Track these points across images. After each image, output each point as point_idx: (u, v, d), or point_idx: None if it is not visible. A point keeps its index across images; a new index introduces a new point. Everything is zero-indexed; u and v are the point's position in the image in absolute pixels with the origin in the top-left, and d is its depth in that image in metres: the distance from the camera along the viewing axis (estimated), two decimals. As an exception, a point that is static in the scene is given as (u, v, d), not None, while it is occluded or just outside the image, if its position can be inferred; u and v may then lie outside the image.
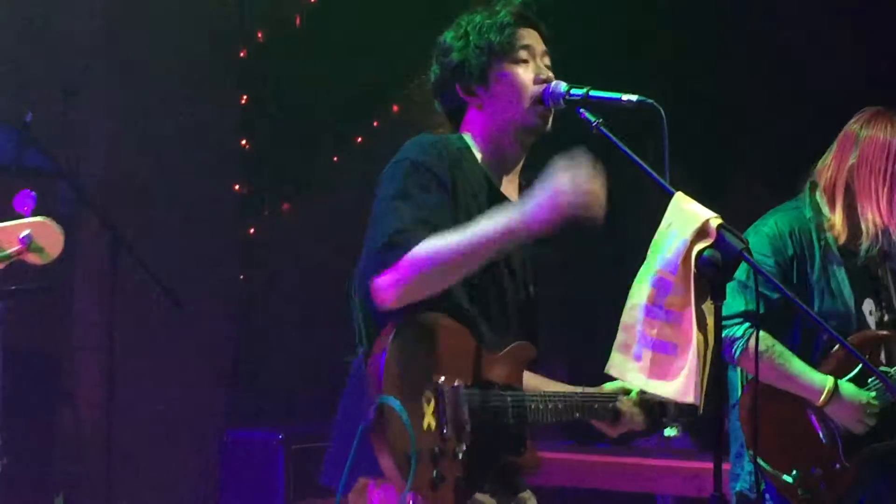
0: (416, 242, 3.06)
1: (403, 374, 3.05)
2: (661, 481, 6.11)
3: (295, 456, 6.34)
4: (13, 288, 5.47)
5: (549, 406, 3.36)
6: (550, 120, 3.35)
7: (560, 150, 3.06)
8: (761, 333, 4.01)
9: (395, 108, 7.33)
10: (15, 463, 5.94)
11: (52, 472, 6.54)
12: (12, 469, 5.71)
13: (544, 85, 3.30)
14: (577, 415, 3.45)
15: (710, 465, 2.99)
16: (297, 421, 6.57)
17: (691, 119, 6.17)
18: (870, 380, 4.10)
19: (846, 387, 4.07)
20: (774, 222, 4.20)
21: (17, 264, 2.93)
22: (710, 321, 3.02)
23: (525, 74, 3.32)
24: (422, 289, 3.09)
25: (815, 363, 4.11)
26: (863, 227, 4.15)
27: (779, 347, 4.07)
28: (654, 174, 3.12)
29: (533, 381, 3.47)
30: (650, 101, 3.21)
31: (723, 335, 3.93)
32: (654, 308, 3.03)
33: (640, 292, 3.07)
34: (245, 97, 7.41)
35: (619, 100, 3.26)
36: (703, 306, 3.03)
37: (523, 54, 3.33)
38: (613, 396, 3.54)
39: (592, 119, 3.24)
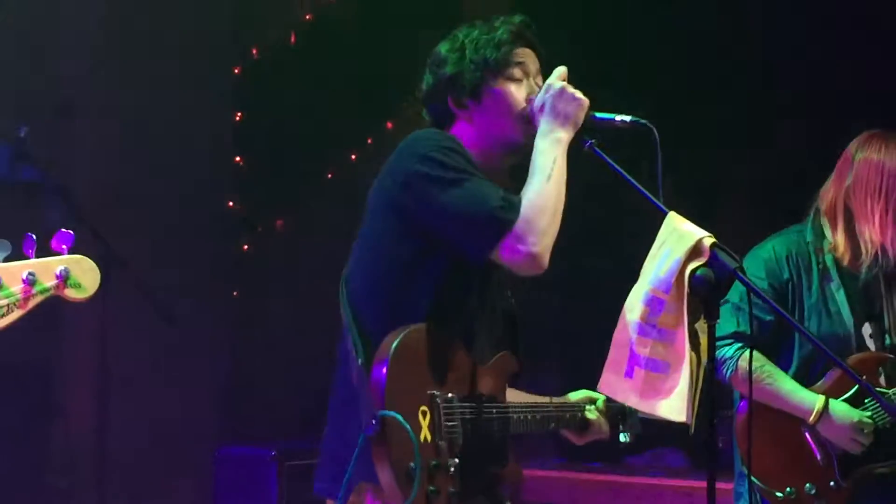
0: (518, 202, 3.12)
1: (403, 386, 3.07)
2: (654, 499, 6.11)
3: (288, 472, 6.32)
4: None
5: (529, 417, 3.39)
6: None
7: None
8: (754, 355, 4.02)
9: (389, 124, 7.33)
10: (6, 478, 5.93)
11: (44, 488, 6.51)
12: (3, 484, 5.69)
13: None
14: (552, 425, 3.51)
15: (704, 484, 2.99)
16: (290, 437, 6.55)
17: (683, 140, 6.18)
18: (866, 400, 4.11)
19: (837, 406, 4.07)
20: (772, 247, 4.23)
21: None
22: (703, 340, 3.02)
23: (517, 93, 3.33)
24: (552, 233, 3.14)
25: (811, 385, 4.13)
26: (862, 247, 4.17)
27: (769, 367, 4.09)
28: (648, 193, 3.12)
29: (508, 394, 3.48)
30: (643, 121, 3.22)
31: (719, 355, 3.98)
32: (647, 326, 3.04)
33: (633, 310, 3.07)
34: (239, 114, 7.41)
35: (613, 120, 3.27)
36: (696, 325, 3.04)
37: (517, 73, 3.34)
38: (581, 406, 3.59)
39: (585, 139, 3.25)
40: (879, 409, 4.08)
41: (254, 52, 7.44)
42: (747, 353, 4.03)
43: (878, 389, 4.09)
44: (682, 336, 3.02)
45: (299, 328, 7.18)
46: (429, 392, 3.13)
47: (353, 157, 7.39)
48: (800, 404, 4.07)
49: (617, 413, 3.65)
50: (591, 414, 3.59)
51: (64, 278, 2.85)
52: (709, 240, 3.00)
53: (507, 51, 3.33)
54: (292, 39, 7.45)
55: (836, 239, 4.20)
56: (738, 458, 4.23)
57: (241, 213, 7.43)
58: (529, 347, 3.49)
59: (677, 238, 3.02)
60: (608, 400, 3.56)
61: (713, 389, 3.04)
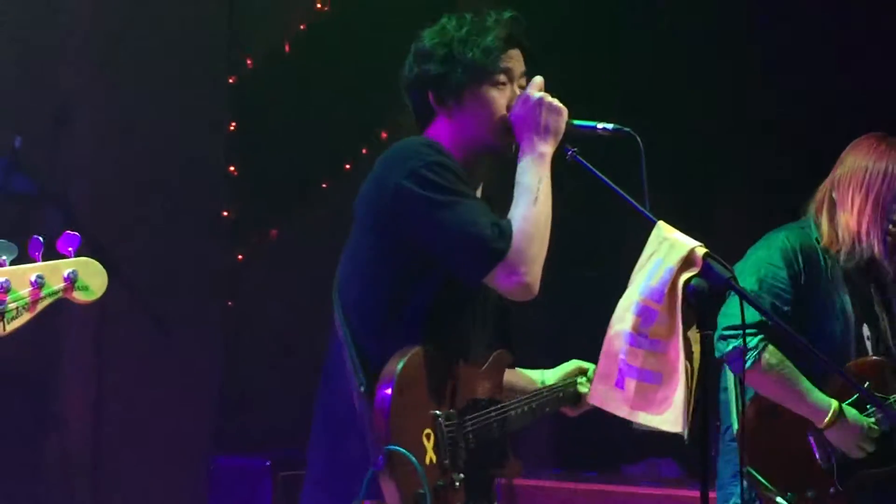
0: (509, 230, 3.12)
1: (406, 413, 3.08)
2: (648, 509, 6.11)
3: (283, 482, 6.31)
4: None
5: (525, 409, 3.39)
6: (514, 145, 3.32)
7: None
8: (772, 348, 4.07)
9: (384, 134, 7.33)
10: (1, 489, 5.92)
11: (39, 497, 6.50)
12: (-2, 494, 5.69)
13: None
14: (548, 409, 3.48)
15: (698, 494, 2.99)
16: (285, 447, 6.55)
17: (674, 150, 6.19)
18: (868, 406, 4.13)
19: (850, 411, 4.11)
20: (785, 237, 4.26)
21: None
22: (696, 350, 3.02)
23: (500, 99, 3.30)
24: (541, 259, 3.16)
25: (819, 384, 4.14)
26: (839, 233, 4.21)
27: (789, 364, 4.10)
28: (634, 202, 3.12)
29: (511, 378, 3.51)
30: (626, 129, 3.22)
31: (735, 344, 3.96)
32: (639, 337, 3.04)
33: (623, 321, 3.07)
34: (234, 123, 7.41)
35: (595, 128, 3.26)
36: (689, 334, 3.04)
37: (502, 78, 3.31)
38: (573, 380, 3.57)
39: (568, 148, 3.25)
40: (880, 414, 4.11)
41: (248, 62, 7.44)
42: (772, 347, 4.06)
43: (878, 395, 4.10)
44: (675, 346, 3.01)
45: (294, 338, 7.17)
46: (431, 413, 3.14)
47: (348, 166, 7.38)
48: (816, 405, 4.09)
49: None
50: (584, 387, 3.57)
51: (72, 281, 2.83)
52: (701, 249, 3.00)
53: (496, 57, 3.29)
54: (286, 48, 7.45)
55: (823, 228, 4.26)
56: (727, 462, 4.22)
57: (236, 223, 7.42)
58: (518, 360, 3.50)
59: (668, 247, 3.02)
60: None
61: (706, 398, 3.04)
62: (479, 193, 3.39)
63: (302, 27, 7.46)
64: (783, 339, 4.08)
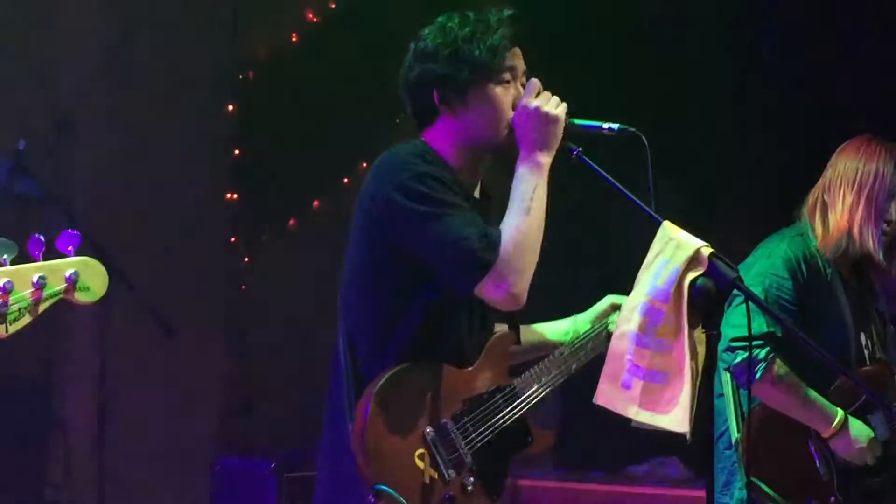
0: (498, 241, 3.11)
1: (389, 442, 3.11)
2: (653, 509, 6.11)
3: (287, 484, 6.30)
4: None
5: (543, 381, 3.34)
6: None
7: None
8: (780, 360, 4.05)
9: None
10: (5, 491, 5.91)
11: (42, 498, 6.50)
12: (2, 498, 5.68)
13: None
14: (574, 367, 3.41)
15: (703, 494, 2.99)
16: (290, 449, 6.54)
17: (679, 149, 6.18)
18: (868, 415, 4.12)
19: (854, 423, 4.10)
20: (787, 246, 4.23)
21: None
22: (701, 350, 3.01)
23: (505, 97, 3.29)
24: (531, 270, 3.15)
25: (825, 392, 4.13)
26: (830, 231, 4.21)
27: (794, 375, 4.09)
28: (639, 202, 3.11)
29: (526, 336, 3.48)
30: (632, 128, 3.20)
31: (745, 356, 3.95)
32: (645, 337, 3.03)
33: (629, 321, 3.06)
34: (239, 121, 7.41)
35: (600, 128, 3.25)
36: (695, 334, 3.03)
37: (507, 76, 3.30)
38: (604, 324, 3.48)
39: (573, 147, 3.24)
40: (880, 424, 4.12)
41: (252, 61, 7.44)
42: (779, 359, 4.05)
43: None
44: (681, 346, 3.01)
45: (299, 340, 7.17)
46: (420, 432, 3.16)
47: (365, 164, 7.33)
48: (823, 415, 4.08)
49: None
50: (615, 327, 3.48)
51: (73, 282, 2.76)
52: (707, 249, 3.00)
53: (502, 57, 3.28)
54: (293, 42, 7.45)
55: (816, 230, 4.25)
56: (721, 469, 4.21)
57: (243, 225, 7.42)
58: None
59: (674, 247, 3.02)
60: None
61: (711, 398, 3.03)
62: (478, 192, 3.40)
63: (313, 18, 7.44)
64: (787, 349, 4.08)
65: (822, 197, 4.27)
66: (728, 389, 4.20)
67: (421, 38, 3.35)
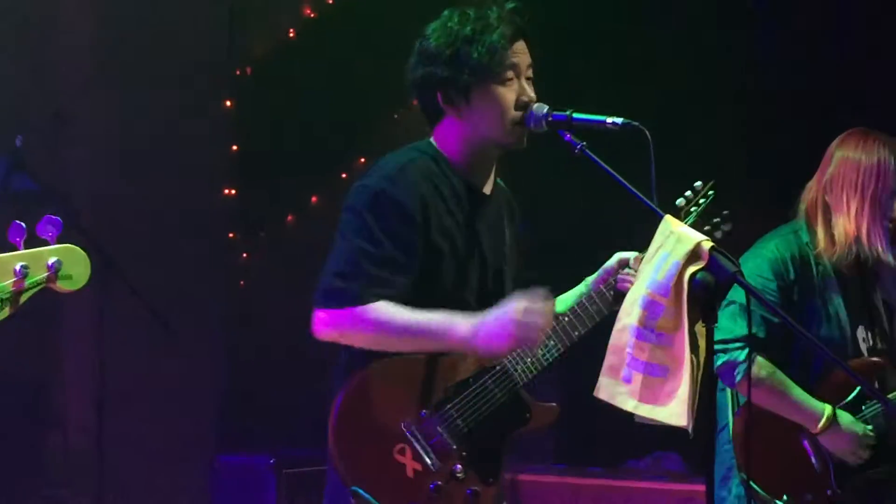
0: (364, 298, 3.15)
1: (363, 444, 3.16)
2: (653, 504, 6.10)
3: (287, 480, 6.30)
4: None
5: (540, 354, 3.32)
6: (526, 138, 3.34)
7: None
8: (762, 360, 4.05)
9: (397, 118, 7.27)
10: (4, 489, 5.91)
11: (41, 496, 6.50)
12: (2, 495, 5.68)
13: (526, 107, 3.29)
14: (576, 333, 3.36)
15: (703, 488, 2.99)
16: (289, 445, 6.54)
17: (681, 143, 6.17)
18: (863, 407, 4.11)
19: (844, 416, 4.08)
20: (775, 246, 4.21)
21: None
22: (702, 344, 3.01)
23: (509, 95, 3.29)
24: (356, 343, 3.21)
25: (810, 388, 4.12)
26: (835, 236, 4.17)
27: (780, 374, 4.08)
28: (642, 196, 3.11)
29: None
30: (635, 122, 3.20)
31: (725, 359, 3.97)
32: (645, 331, 3.03)
33: (630, 315, 3.06)
34: (237, 119, 7.40)
35: (604, 122, 3.24)
36: (695, 328, 3.02)
37: (509, 74, 3.30)
38: (611, 283, 3.42)
39: (576, 142, 3.24)
40: (876, 416, 4.10)
41: (250, 57, 7.43)
42: (760, 359, 4.05)
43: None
44: (681, 340, 3.00)
45: (298, 335, 7.16)
46: (399, 426, 3.18)
47: (363, 160, 7.32)
48: (810, 412, 4.07)
49: None
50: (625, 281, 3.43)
51: (56, 270, 2.66)
52: (707, 243, 2.99)
53: (502, 56, 3.28)
54: (290, 37, 7.45)
55: (818, 234, 4.21)
56: (721, 463, 4.21)
57: (240, 221, 7.42)
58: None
59: (675, 241, 3.01)
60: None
61: (712, 393, 3.02)
62: (488, 189, 3.41)
63: (311, 14, 7.44)
64: (776, 348, 4.08)
65: (824, 198, 4.22)
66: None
67: (425, 38, 3.36)
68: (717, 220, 3.58)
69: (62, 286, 2.69)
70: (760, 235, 4.34)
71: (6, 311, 2.64)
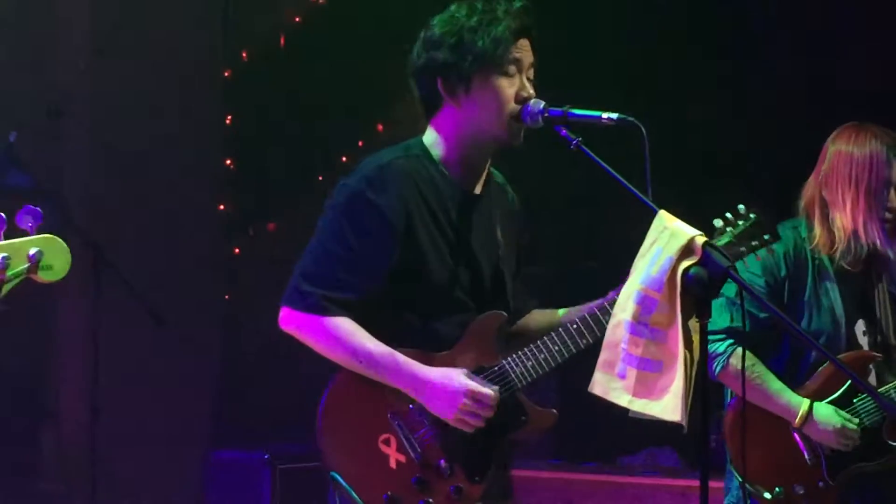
0: (325, 308, 3.23)
1: (347, 432, 3.21)
2: (648, 499, 6.10)
3: (281, 476, 6.30)
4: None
5: (539, 358, 3.32)
6: (522, 134, 3.34)
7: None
8: (739, 351, 4.04)
9: (380, 127, 7.31)
10: (-1, 485, 5.91)
11: (36, 493, 6.50)
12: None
13: (524, 103, 3.30)
14: (584, 341, 3.36)
15: (698, 483, 2.99)
16: (283, 441, 6.54)
17: (678, 140, 6.18)
18: (855, 399, 4.12)
19: (821, 409, 4.08)
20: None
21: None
22: (696, 339, 3.01)
23: (509, 89, 3.30)
24: (312, 348, 3.29)
25: (801, 382, 4.13)
26: (835, 234, 4.18)
27: (759, 367, 4.10)
28: (637, 191, 3.11)
29: (538, 318, 3.52)
30: (630, 118, 3.20)
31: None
32: (639, 326, 3.03)
33: (624, 310, 3.06)
34: (230, 117, 7.40)
35: (599, 118, 3.24)
36: (689, 323, 3.03)
37: (512, 69, 3.31)
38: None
39: (572, 137, 3.24)
40: (868, 408, 4.11)
41: (243, 54, 7.43)
42: (739, 350, 4.05)
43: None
44: (675, 335, 3.00)
45: (291, 331, 7.16)
46: (386, 417, 3.21)
47: (345, 159, 7.36)
48: (786, 406, 4.09)
49: None
50: None
51: (37, 261, 2.67)
52: (701, 238, 2.99)
53: (505, 47, 3.28)
54: (281, 42, 7.44)
55: (816, 230, 4.22)
56: (726, 453, 4.23)
57: (233, 216, 7.42)
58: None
59: (669, 236, 3.01)
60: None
61: (706, 388, 3.03)
62: (479, 189, 3.41)
63: (297, 19, 7.45)
64: (758, 342, 4.09)
65: (821, 194, 4.23)
66: None
67: (429, 27, 3.37)
68: (755, 243, 3.56)
69: (43, 277, 2.70)
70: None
71: None
